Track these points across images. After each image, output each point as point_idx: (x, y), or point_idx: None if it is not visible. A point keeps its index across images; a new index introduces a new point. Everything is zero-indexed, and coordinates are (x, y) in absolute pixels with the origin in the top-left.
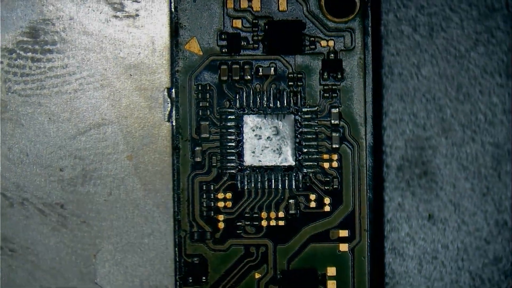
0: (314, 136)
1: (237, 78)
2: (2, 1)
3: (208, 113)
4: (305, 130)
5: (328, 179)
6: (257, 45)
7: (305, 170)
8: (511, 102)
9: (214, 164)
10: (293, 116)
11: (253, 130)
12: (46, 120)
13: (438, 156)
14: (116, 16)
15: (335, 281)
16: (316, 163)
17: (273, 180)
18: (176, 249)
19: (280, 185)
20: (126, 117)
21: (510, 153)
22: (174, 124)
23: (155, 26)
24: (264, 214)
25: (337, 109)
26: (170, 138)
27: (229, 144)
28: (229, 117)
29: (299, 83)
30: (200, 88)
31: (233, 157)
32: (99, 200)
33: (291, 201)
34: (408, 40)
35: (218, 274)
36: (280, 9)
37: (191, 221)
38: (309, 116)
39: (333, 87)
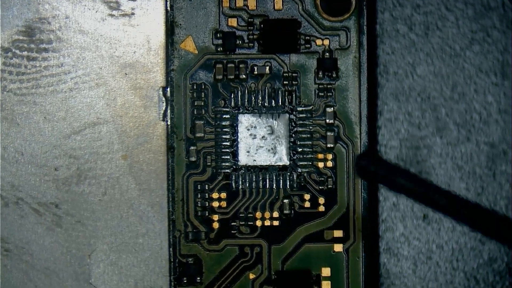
0: (308, 135)
1: (232, 77)
2: None
3: (203, 112)
4: (300, 129)
5: (322, 178)
6: (252, 44)
7: (299, 170)
8: (506, 101)
9: (209, 164)
10: (288, 115)
11: (248, 130)
12: (41, 119)
13: (433, 156)
14: (111, 15)
15: (329, 282)
16: (311, 162)
17: (267, 180)
18: (171, 249)
19: (274, 185)
20: (121, 116)
21: (505, 152)
22: (169, 123)
23: (150, 25)
24: (258, 214)
25: (332, 108)
26: (165, 138)
27: (224, 143)
28: (224, 116)
29: (294, 82)
30: (195, 87)
31: (228, 157)
32: (93, 200)
33: (285, 201)
34: (404, 39)
35: (212, 274)
36: (275, 8)
37: (186, 221)
38: (304, 115)
39: (328, 86)
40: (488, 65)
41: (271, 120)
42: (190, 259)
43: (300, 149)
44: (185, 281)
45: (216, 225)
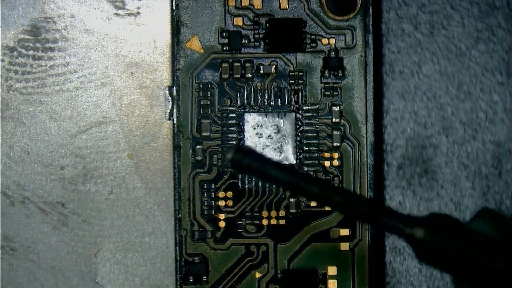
0: (315, 134)
1: (238, 76)
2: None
3: (209, 111)
4: (306, 128)
5: (329, 177)
6: (258, 43)
7: (306, 169)
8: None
9: (215, 163)
10: (294, 114)
11: (254, 129)
12: (47, 119)
13: (439, 155)
14: (117, 14)
15: (335, 280)
16: (317, 161)
17: None
18: (177, 248)
19: None
20: (127, 115)
21: (511, 151)
22: (175, 122)
23: (156, 24)
24: (264, 213)
25: (338, 107)
26: (171, 137)
27: (230, 142)
28: (230, 115)
29: (300, 81)
30: (201, 86)
31: None
32: (100, 199)
33: (291, 200)
34: (409, 38)
35: (218, 273)
36: (281, 7)
37: (192, 220)
38: (310, 114)
39: (334, 85)
40: (494, 64)
41: (277, 119)
42: (196, 258)
43: (306, 148)
44: (191, 280)
45: (222, 224)
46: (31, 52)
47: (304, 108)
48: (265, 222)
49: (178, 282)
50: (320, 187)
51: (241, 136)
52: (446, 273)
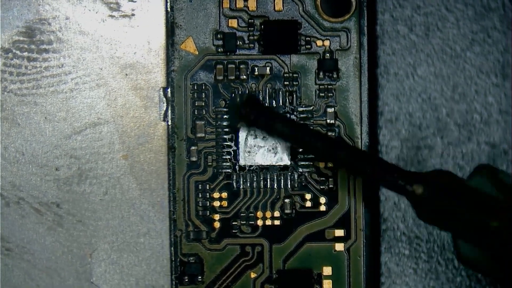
0: None
1: (232, 77)
2: None
3: (204, 113)
4: None
5: (323, 178)
6: (252, 45)
7: (300, 170)
8: (506, 102)
9: (210, 164)
10: (288, 115)
11: (249, 130)
12: (42, 120)
13: (433, 156)
14: (112, 16)
15: (331, 281)
16: (312, 162)
17: (268, 180)
18: (172, 248)
19: (275, 185)
20: (121, 117)
21: (506, 152)
22: (169, 123)
23: (151, 26)
24: (259, 214)
25: (333, 109)
26: (165, 138)
27: (225, 143)
28: (225, 116)
29: (294, 83)
30: (195, 88)
31: (229, 157)
32: (94, 200)
33: (286, 200)
34: (404, 40)
35: (213, 273)
36: (276, 9)
37: (187, 220)
38: (305, 115)
39: (329, 86)
40: (489, 66)
41: None
42: (191, 258)
43: (301, 149)
44: (186, 280)
45: (217, 224)
46: (26, 54)
47: (298, 109)
48: (260, 222)
49: (173, 282)
50: (324, 142)
51: (236, 137)
52: (445, 231)
